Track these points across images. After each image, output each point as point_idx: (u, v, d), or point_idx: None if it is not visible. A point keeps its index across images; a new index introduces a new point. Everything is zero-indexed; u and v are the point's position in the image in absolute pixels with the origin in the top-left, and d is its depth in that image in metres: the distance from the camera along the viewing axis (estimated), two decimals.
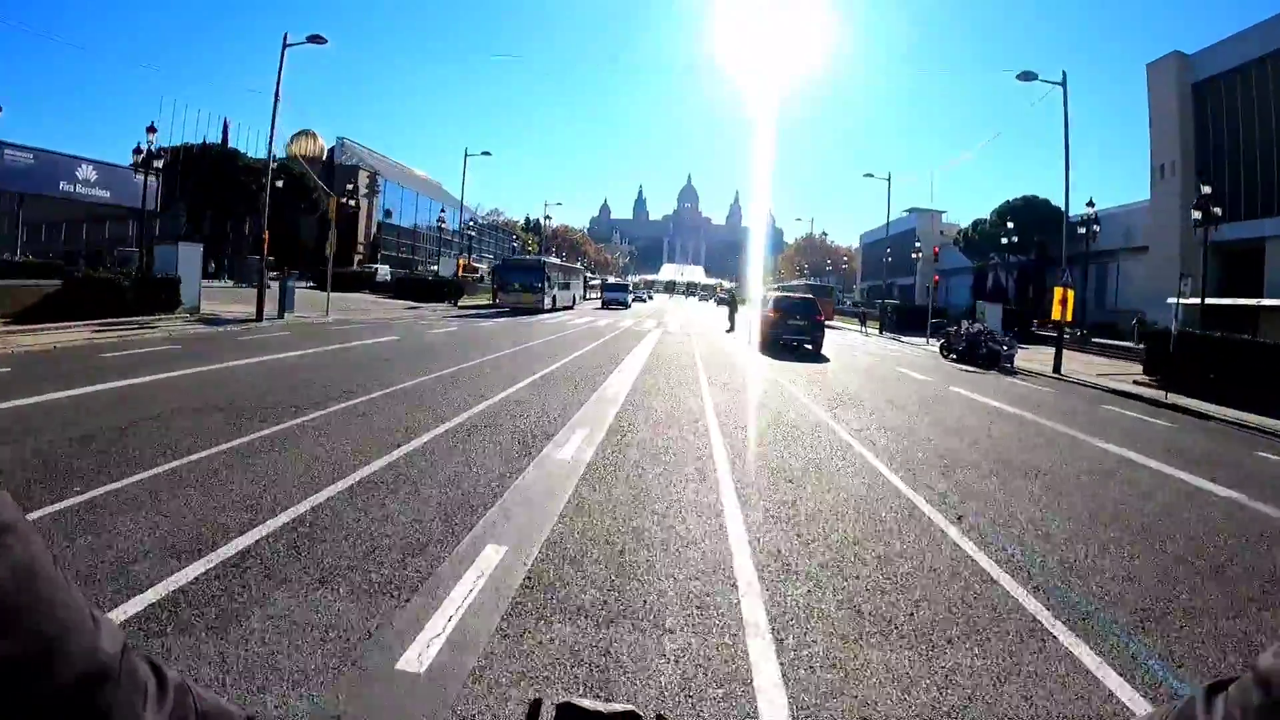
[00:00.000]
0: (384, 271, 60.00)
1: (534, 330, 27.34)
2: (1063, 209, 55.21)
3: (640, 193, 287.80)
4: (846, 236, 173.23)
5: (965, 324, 28.84)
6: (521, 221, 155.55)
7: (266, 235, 26.82)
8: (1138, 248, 47.76)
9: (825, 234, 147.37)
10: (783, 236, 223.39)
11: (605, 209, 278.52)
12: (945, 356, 27.57)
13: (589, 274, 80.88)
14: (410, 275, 55.54)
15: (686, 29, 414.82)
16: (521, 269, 44.69)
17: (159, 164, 33.05)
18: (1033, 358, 27.04)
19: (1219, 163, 42.59)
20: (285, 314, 27.16)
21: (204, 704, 0.62)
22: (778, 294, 28.67)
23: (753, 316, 46.94)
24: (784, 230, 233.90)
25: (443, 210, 75.08)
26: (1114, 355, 31.08)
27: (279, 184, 63.47)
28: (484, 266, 77.18)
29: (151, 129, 36.98)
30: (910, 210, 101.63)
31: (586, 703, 0.77)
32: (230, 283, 47.73)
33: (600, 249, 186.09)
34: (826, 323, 53.90)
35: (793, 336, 24.69)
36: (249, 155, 67.96)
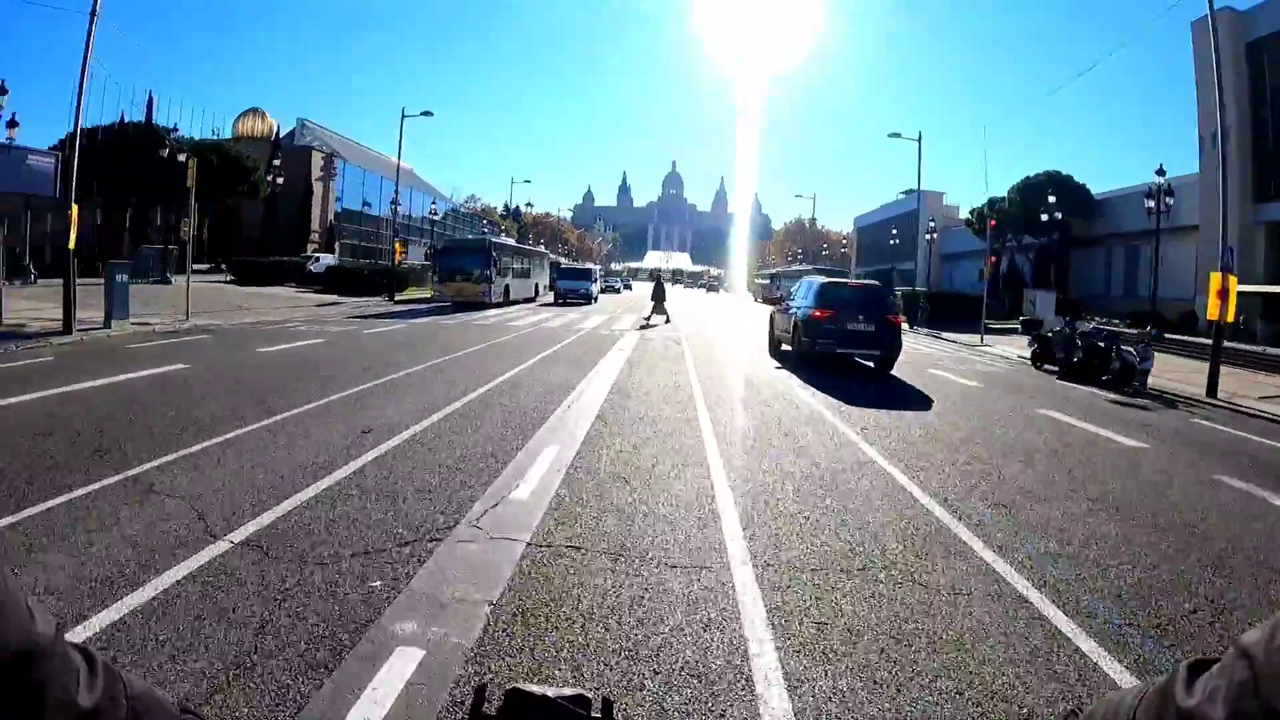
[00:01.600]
0: (324, 261, 51.68)
1: (446, 341, 18.81)
2: (1088, 186, 48.53)
3: (624, 179, 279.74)
4: (836, 222, 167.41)
5: (1060, 321, 20.61)
6: (500, 208, 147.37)
7: (74, 211, 18.63)
8: (1180, 227, 40.44)
9: (815, 219, 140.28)
10: (769, 223, 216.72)
11: (589, 196, 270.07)
12: (1038, 366, 19.63)
13: (561, 260, 71.15)
14: (341, 266, 47.24)
15: (670, 12, 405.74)
16: (462, 253, 36.29)
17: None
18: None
19: (1278, 130, 35.83)
20: (113, 321, 19.12)
21: (133, 689, 0.63)
22: (823, 280, 18.26)
23: (747, 311, 38.29)
24: (770, 216, 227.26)
25: (395, 193, 66.83)
26: (1251, 364, 21.63)
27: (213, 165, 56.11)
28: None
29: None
30: (907, 192, 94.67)
31: (534, 687, 0.75)
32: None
33: (583, 236, 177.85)
34: None
35: (854, 349, 16.02)
36: (183, 134, 59.28)
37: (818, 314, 15.79)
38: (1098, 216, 47.32)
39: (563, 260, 73.41)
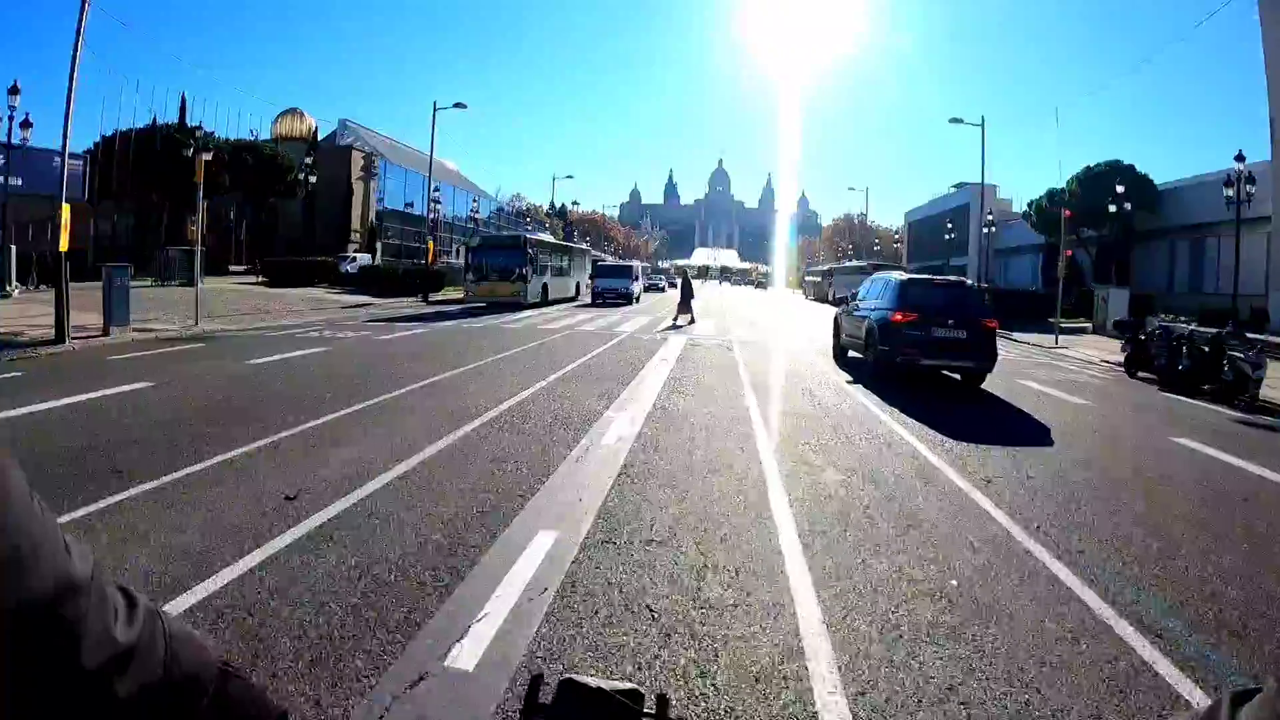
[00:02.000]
0: (360, 261, 50.23)
1: (461, 349, 16.14)
2: (1150, 176, 44.84)
3: (670, 177, 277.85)
4: (884, 218, 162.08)
5: (1154, 322, 17.77)
6: (545, 207, 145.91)
7: (66, 210, 16.80)
8: (1250, 219, 36.84)
9: (864, 214, 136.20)
10: (817, 219, 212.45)
11: (635, 194, 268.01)
12: (1132, 374, 16.69)
13: (606, 257, 68.33)
14: (374, 266, 45.68)
15: (715, 8, 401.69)
16: (496, 250, 33.74)
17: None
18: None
19: None
20: (113, 327, 17.38)
21: (173, 630, 0.64)
22: (903, 278, 15.05)
23: (799, 310, 35.94)
24: (818, 213, 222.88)
25: (428, 187, 65.10)
26: None
27: (249, 164, 54.91)
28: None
29: (14, 89, 27.26)
30: (958, 185, 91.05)
31: (588, 679, 0.75)
32: (150, 281, 38.08)
33: (630, 234, 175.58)
34: None
35: (943, 360, 13.17)
36: (215, 135, 58.22)
37: (898, 318, 12.96)
38: (1160, 208, 44.19)
39: (607, 257, 70.72)
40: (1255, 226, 35.41)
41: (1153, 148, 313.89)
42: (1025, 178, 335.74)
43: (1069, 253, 32.17)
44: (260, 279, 46.28)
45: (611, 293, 37.77)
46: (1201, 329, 18.10)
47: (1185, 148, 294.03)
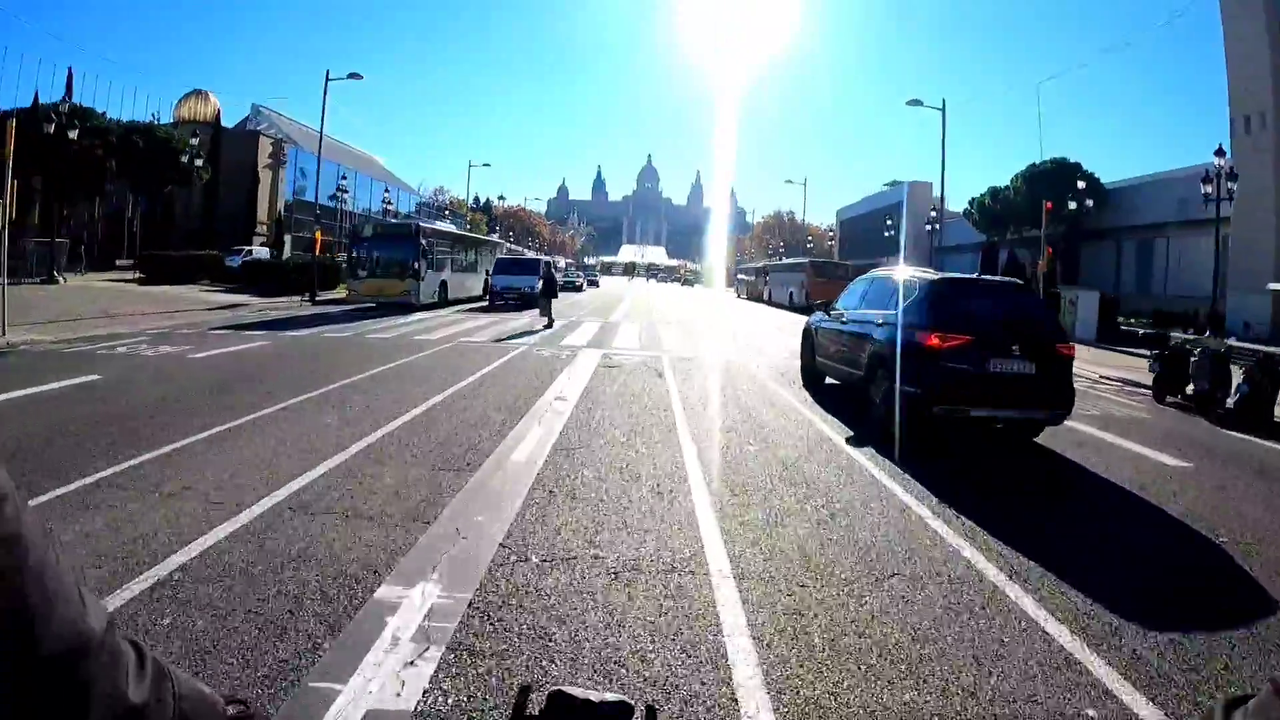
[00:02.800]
0: (256, 255, 44.44)
1: (290, 376, 11.20)
2: (1097, 176, 42.96)
3: (599, 173, 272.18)
4: (814, 217, 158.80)
5: (1178, 337, 13.97)
6: (470, 201, 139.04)
7: None
8: (1199, 220, 34.95)
9: (793, 212, 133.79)
10: (745, 217, 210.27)
11: (563, 190, 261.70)
12: (1161, 399, 12.93)
13: (524, 251, 62.16)
14: (259, 261, 39.85)
15: (648, 6, 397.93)
16: (384, 241, 28.27)
17: None
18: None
19: None
20: None
21: (181, 686, 0.62)
22: (938, 278, 9.77)
23: (734, 310, 31.68)
24: (745, 210, 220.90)
25: (342, 179, 58.75)
26: None
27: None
28: None
29: None
30: (892, 183, 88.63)
31: (577, 691, 0.74)
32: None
33: (556, 230, 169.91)
34: None
35: (1004, 410, 8.41)
36: (105, 114, 50.89)
37: (935, 342, 8.15)
38: (1108, 208, 42.24)
39: (527, 252, 65.07)
40: (1200, 228, 33.85)
41: (1095, 147, 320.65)
42: (959, 178, 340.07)
43: (1050, 250, 28.79)
44: (136, 275, 40.60)
45: (512, 293, 30.31)
46: (1241, 345, 14.77)
47: (1129, 148, 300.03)
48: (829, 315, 11.81)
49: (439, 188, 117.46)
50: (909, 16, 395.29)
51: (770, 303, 49.98)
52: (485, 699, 3.04)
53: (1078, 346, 9.88)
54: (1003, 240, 56.98)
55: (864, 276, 11.59)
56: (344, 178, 63.70)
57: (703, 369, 13.80)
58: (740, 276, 73.76)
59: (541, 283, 23.22)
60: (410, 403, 9.37)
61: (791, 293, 44.63)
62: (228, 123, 72.12)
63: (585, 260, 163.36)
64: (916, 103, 33.54)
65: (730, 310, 38.80)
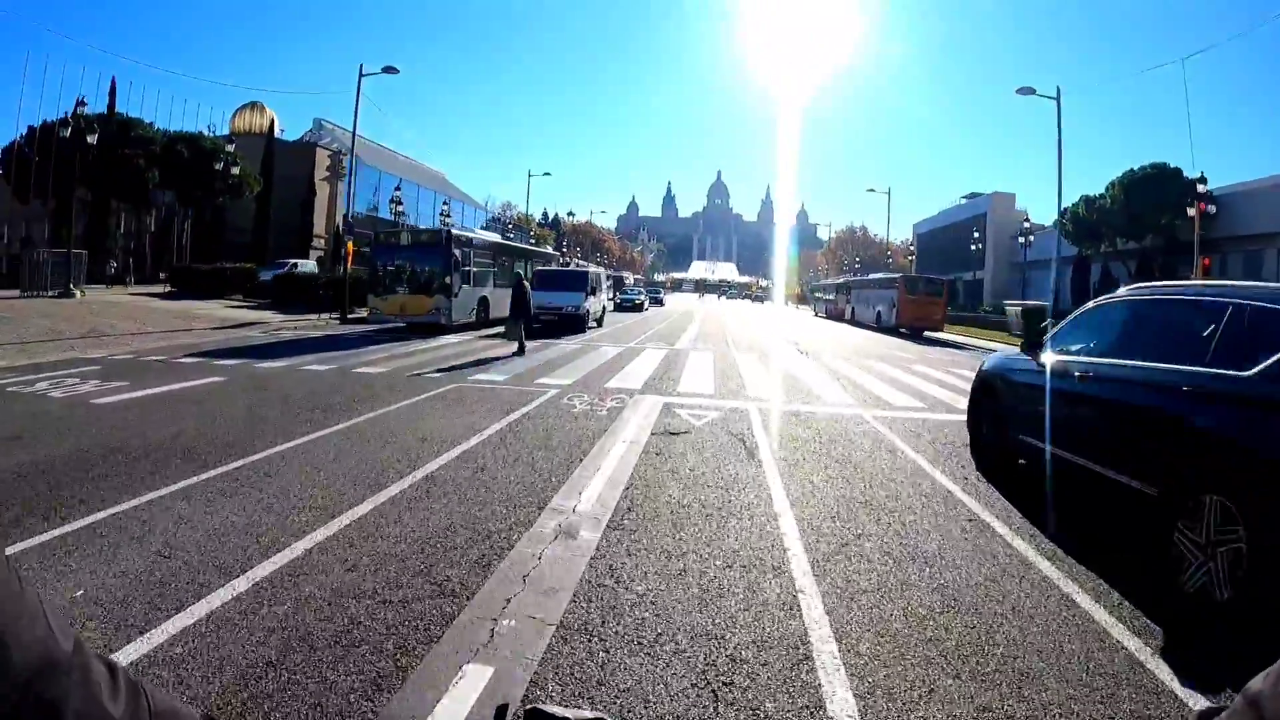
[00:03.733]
0: (304, 268, 41.45)
1: (220, 438, 7.47)
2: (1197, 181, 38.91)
3: (669, 189, 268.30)
4: (885, 230, 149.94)
5: None
6: (538, 217, 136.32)
7: None
8: None
9: (865, 226, 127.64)
10: (815, 232, 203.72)
11: (633, 206, 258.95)
12: None
13: (587, 266, 56.59)
14: (291, 275, 36.44)
15: (716, 22, 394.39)
16: (408, 250, 23.84)
17: None
18: None
19: None
20: None
21: (157, 703, 0.61)
22: None
23: (822, 333, 27.13)
24: (816, 226, 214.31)
25: (396, 189, 55.73)
26: None
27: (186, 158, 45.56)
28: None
29: None
30: (970, 196, 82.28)
31: (554, 709, 0.73)
32: (18, 291, 29.25)
33: (626, 246, 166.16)
34: (939, 335, 33.51)
35: None
36: (153, 125, 48.80)
37: None
38: (1210, 217, 36.60)
39: (590, 266, 60.71)
40: None
41: (1195, 150, 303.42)
42: (1039, 189, 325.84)
43: (1205, 261, 22.93)
44: (167, 289, 38.28)
45: (550, 313, 24.51)
46: None
47: (1233, 152, 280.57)
48: (1038, 361, 6.88)
49: (506, 203, 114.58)
50: (973, 27, 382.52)
51: (853, 322, 44.50)
52: None
53: None
54: (1095, 254, 51.20)
55: (1113, 298, 6.55)
56: (398, 188, 60.78)
57: (810, 437, 8.92)
58: (817, 294, 68.23)
59: (512, 297, 17.57)
60: (293, 530, 4.84)
61: (879, 311, 39.20)
62: (292, 136, 70.50)
63: (655, 276, 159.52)
64: (1028, 90, 28.15)
65: (814, 333, 33.54)
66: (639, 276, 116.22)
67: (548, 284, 26.00)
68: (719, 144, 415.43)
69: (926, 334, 35.04)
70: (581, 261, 79.61)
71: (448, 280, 22.53)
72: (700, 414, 9.91)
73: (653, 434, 8.45)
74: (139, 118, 48.11)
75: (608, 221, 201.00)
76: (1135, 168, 44.79)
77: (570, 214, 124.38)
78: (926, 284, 37.11)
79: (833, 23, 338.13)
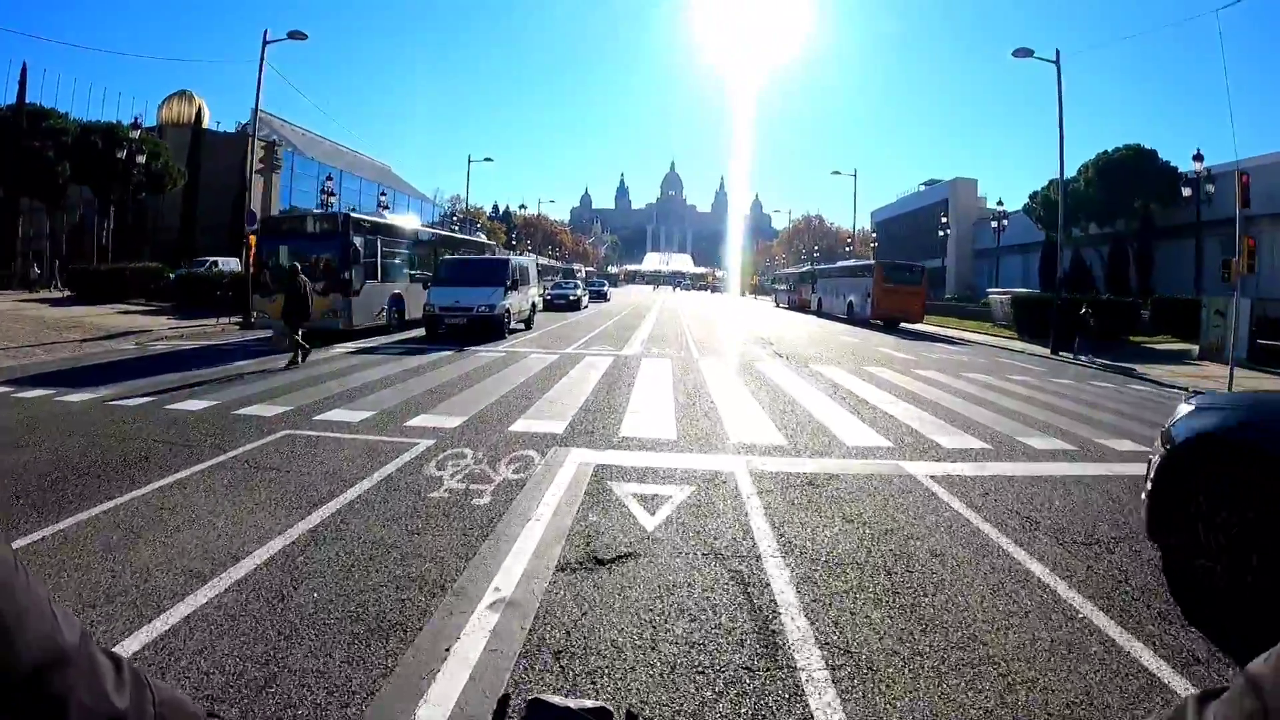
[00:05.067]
0: (223, 267, 35.89)
1: None
2: (1175, 166, 39.19)
3: (622, 181, 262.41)
4: (843, 220, 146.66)
5: None
6: (489, 210, 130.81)
7: None
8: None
9: (821, 215, 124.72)
10: (770, 222, 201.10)
11: (586, 198, 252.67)
12: None
13: (522, 257, 43.88)
14: (193, 275, 31.59)
15: (669, 14, 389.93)
16: (300, 239, 19.06)
17: None
18: None
19: None
20: None
21: (161, 695, 0.61)
22: None
23: (790, 328, 23.69)
24: (770, 216, 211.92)
25: (327, 179, 50.78)
26: None
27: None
28: None
29: None
30: (928, 183, 79.57)
31: (556, 699, 0.71)
32: None
33: (580, 239, 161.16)
34: (918, 327, 30.17)
35: None
36: (68, 115, 43.25)
37: None
38: (1186, 202, 35.56)
39: (533, 259, 55.49)
40: None
41: (1168, 132, 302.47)
42: (1005, 175, 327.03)
43: (1250, 241, 19.62)
44: (65, 292, 33.61)
45: (456, 314, 19.13)
46: None
47: (1202, 133, 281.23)
48: None
49: (455, 196, 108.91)
50: (932, 18, 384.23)
51: (820, 313, 40.63)
52: None
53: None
54: (1067, 239, 48.72)
55: None
56: (330, 178, 55.56)
57: (853, 545, 4.86)
58: (777, 285, 64.31)
59: (284, 293, 14.19)
60: None
61: (851, 302, 35.41)
62: (231, 128, 64.63)
63: (609, 269, 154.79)
64: (1026, 53, 24.43)
65: (782, 327, 29.48)
66: (591, 269, 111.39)
67: (455, 277, 20.23)
68: (672, 135, 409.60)
69: (903, 326, 31.37)
70: (530, 255, 74.97)
71: (346, 275, 18.10)
72: (655, 492, 5.78)
73: (562, 567, 4.28)
74: (54, 108, 42.59)
75: (561, 213, 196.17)
76: (1110, 150, 42.58)
77: (522, 206, 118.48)
78: (905, 272, 33.33)
79: (785, 11, 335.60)
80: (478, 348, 16.51)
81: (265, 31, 26.42)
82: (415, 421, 8.27)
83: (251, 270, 22.94)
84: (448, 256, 22.76)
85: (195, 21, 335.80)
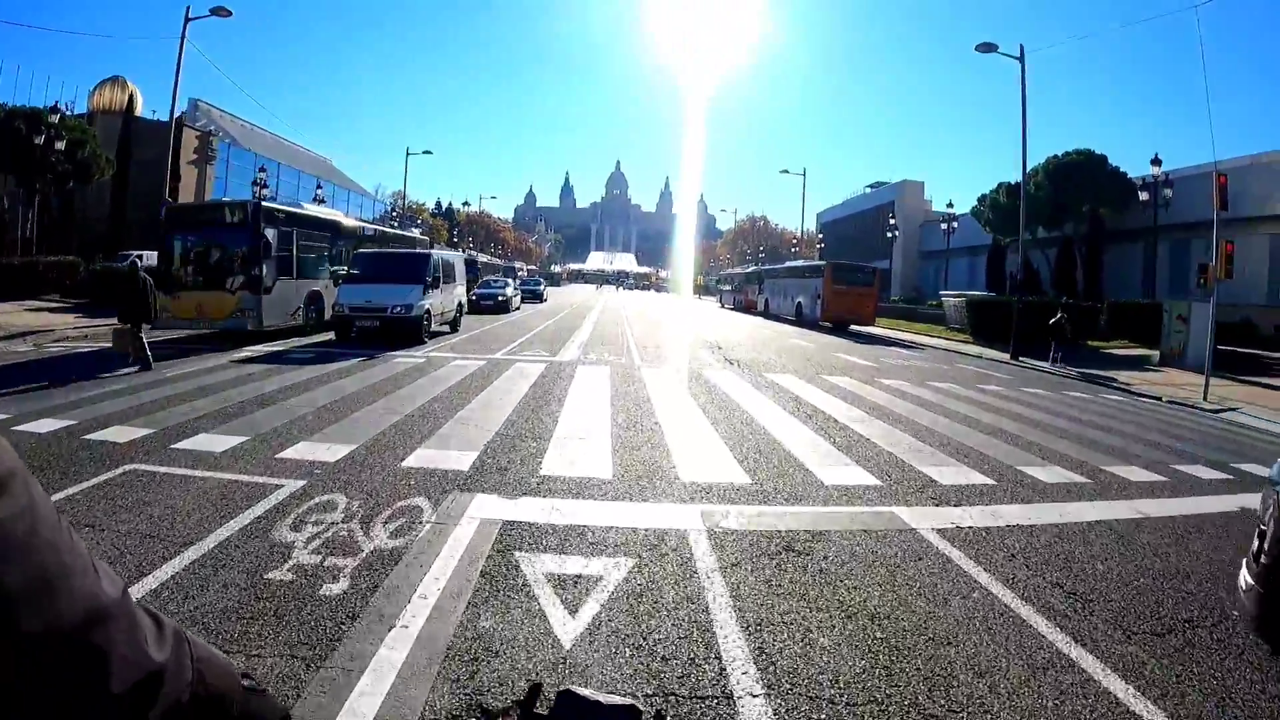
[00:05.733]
0: (145, 260, 32.86)
1: None
2: (1125, 171, 39.39)
3: (567, 179, 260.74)
4: (788, 222, 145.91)
5: None
6: (431, 206, 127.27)
7: None
8: (1247, 218, 29.31)
9: (765, 217, 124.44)
10: (715, 223, 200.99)
11: (531, 196, 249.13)
12: None
13: (446, 252, 37.05)
14: (109, 270, 28.87)
15: (616, 12, 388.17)
16: (206, 230, 17.04)
17: None
18: None
19: None
20: None
21: (199, 650, 0.63)
22: None
23: (735, 328, 22.40)
24: (715, 217, 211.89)
25: (260, 170, 47.83)
26: None
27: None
28: None
29: None
30: (874, 185, 79.50)
31: (586, 692, 0.72)
32: None
33: (522, 237, 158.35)
34: (870, 330, 29.30)
35: None
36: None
37: None
38: (1136, 206, 35.33)
39: (446, 252, 52.86)
40: (1245, 227, 28.76)
41: (1114, 136, 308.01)
42: (949, 178, 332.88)
43: (1229, 246, 19.73)
44: None
45: (369, 315, 16.79)
46: None
47: (1151, 137, 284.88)
48: None
49: (397, 192, 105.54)
50: (882, 14, 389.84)
51: (767, 315, 39.41)
52: None
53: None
54: (1013, 243, 48.70)
55: None
56: (263, 169, 52.50)
57: (858, 663, 3.42)
58: (723, 285, 63.07)
59: (123, 291, 13.02)
60: None
61: (800, 303, 34.22)
62: (167, 117, 60.76)
63: (553, 267, 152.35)
64: (990, 47, 23.58)
65: (729, 329, 28.08)
66: (534, 268, 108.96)
67: (369, 273, 17.77)
68: (618, 133, 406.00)
69: (854, 329, 30.31)
70: (459, 251, 72.29)
71: (256, 271, 16.05)
72: (580, 570, 4.17)
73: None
74: None
75: (505, 210, 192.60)
76: (1060, 154, 42.06)
77: (465, 204, 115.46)
78: (855, 273, 32.25)
79: (733, 12, 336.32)
80: (394, 353, 14.51)
81: (187, 9, 24.23)
82: (290, 452, 6.51)
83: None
84: (362, 250, 20.28)
85: (134, 3, 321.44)
